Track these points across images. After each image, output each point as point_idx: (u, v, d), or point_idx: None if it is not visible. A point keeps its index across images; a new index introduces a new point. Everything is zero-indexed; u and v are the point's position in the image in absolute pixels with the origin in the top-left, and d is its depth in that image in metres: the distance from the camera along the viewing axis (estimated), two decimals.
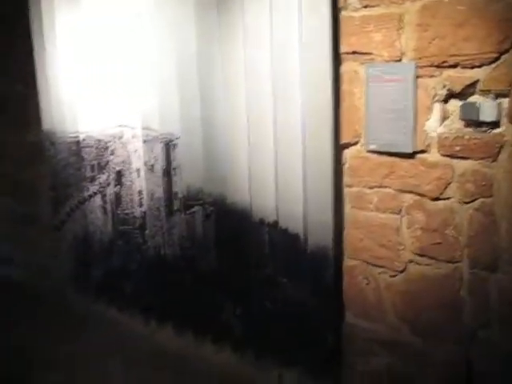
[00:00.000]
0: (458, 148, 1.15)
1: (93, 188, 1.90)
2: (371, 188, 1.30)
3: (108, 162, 1.81)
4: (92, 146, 1.85)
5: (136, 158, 1.71)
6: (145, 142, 1.65)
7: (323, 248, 1.32)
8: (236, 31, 1.36)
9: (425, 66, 1.17)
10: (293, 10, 1.25)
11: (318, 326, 1.35)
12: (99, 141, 1.80)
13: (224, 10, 1.37)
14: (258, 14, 1.30)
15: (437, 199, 1.20)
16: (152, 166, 1.66)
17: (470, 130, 1.14)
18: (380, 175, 1.28)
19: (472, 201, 1.16)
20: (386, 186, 1.28)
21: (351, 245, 1.36)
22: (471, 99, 1.13)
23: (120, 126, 1.74)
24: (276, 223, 1.39)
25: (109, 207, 1.85)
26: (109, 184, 1.83)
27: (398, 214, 1.27)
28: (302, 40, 1.26)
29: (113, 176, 1.80)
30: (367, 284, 1.36)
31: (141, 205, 1.74)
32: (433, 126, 1.18)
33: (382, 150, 1.26)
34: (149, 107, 1.61)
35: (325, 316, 1.35)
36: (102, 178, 1.84)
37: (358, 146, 1.30)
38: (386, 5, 1.20)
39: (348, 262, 1.37)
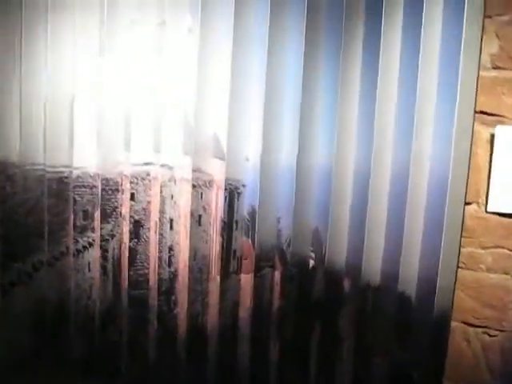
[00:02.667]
0: None
1: (83, 241, 1.45)
2: (485, 249, 1.28)
3: (116, 208, 1.41)
4: (88, 186, 1.42)
5: (170, 205, 1.37)
6: (194, 187, 1.33)
7: (438, 314, 1.24)
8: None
9: None
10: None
11: None
12: (107, 180, 1.39)
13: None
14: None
15: None
16: (199, 216, 1.35)
17: None
18: (497, 236, 1.26)
19: None
20: (502, 247, 1.27)
21: (457, 307, 1.31)
22: None
23: (146, 163, 1.37)
24: (383, 286, 1.26)
25: (110, 266, 1.44)
26: (113, 236, 1.43)
27: (510, 274, 1.27)
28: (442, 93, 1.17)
29: (126, 226, 1.40)
30: (467, 345, 1.33)
31: (170, 264, 1.40)
32: None
33: (502, 211, 1.25)
34: (205, 142, 1.31)
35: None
36: (106, 228, 1.42)
37: (475, 206, 1.27)
38: None
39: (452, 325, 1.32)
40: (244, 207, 1.32)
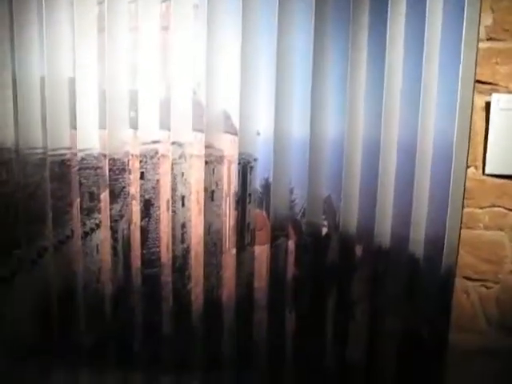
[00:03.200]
0: None
1: (90, 223, 1.44)
2: (482, 208, 1.38)
3: (124, 187, 1.41)
4: (93, 168, 1.41)
5: (182, 183, 1.38)
6: (206, 163, 1.35)
7: (445, 271, 1.34)
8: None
9: None
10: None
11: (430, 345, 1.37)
12: (114, 160, 1.38)
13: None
14: None
15: None
16: (212, 192, 1.37)
17: None
18: (493, 196, 1.37)
19: None
20: (497, 206, 1.38)
21: (459, 264, 1.42)
22: None
23: (154, 142, 1.37)
24: (393, 248, 1.34)
25: (120, 247, 1.44)
26: (122, 217, 1.43)
27: (505, 230, 1.39)
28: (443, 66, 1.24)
29: (137, 206, 1.40)
30: (466, 298, 1.44)
31: (183, 241, 1.41)
32: None
33: (498, 173, 1.35)
34: (215, 118, 1.33)
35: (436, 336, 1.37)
36: (115, 208, 1.41)
37: (473, 170, 1.37)
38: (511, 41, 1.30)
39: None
40: (257, 180, 1.34)
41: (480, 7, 1.23)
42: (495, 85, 1.31)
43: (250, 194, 1.35)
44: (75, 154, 1.38)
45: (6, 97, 1.38)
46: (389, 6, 1.21)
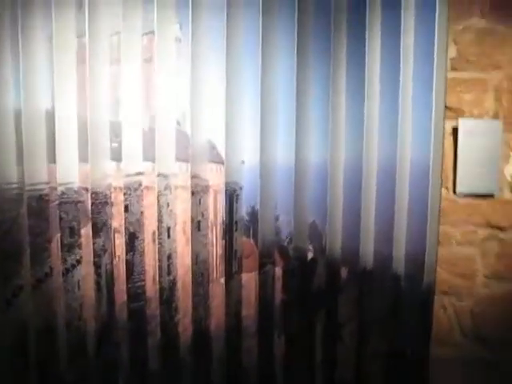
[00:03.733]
0: None
1: (71, 259, 1.40)
2: (454, 226, 1.47)
3: (106, 221, 1.39)
4: (73, 202, 1.38)
5: (168, 214, 1.38)
6: (193, 193, 1.36)
7: (425, 287, 1.41)
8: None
9: (508, 123, 1.43)
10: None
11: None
12: (96, 194, 1.36)
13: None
14: None
15: (509, 230, 1.48)
16: (199, 222, 1.38)
17: None
18: (464, 214, 1.47)
19: None
20: (468, 223, 1.47)
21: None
22: None
23: (138, 174, 1.37)
24: (377, 269, 1.40)
25: (104, 281, 1.41)
26: (105, 251, 1.40)
27: (475, 246, 1.48)
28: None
29: (120, 239, 1.39)
30: (443, 312, 1.52)
31: (169, 272, 1.41)
32: (510, 170, 1.45)
33: (467, 192, 1.45)
34: (200, 148, 1.35)
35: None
36: (98, 242, 1.39)
37: (445, 190, 1.46)
38: (473, 71, 1.41)
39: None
40: (243, 208, 1.36)
41: (447, 41, 1.33)
42: (461, 111, 1.42)
43: (236, 222, 1.37)
44: (55, 189, 1.34)
45: None
46: (366, 41, 1.28)
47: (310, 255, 1.39)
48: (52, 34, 1.29)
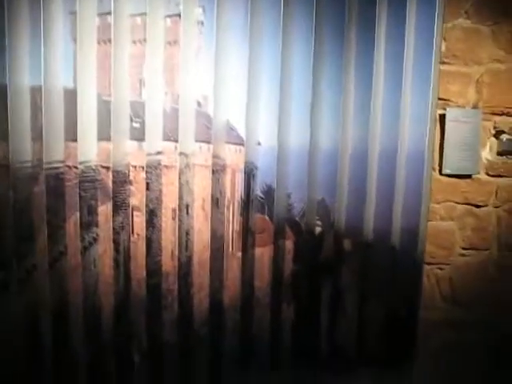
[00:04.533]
0: (501, 170, 1.67)
1: (88, 237, 1.43)
2: (439, 203, 1.66)
3: (125, 199, 1.43)
4: (91, 181, 1.40)
5: (187, 192, 1.44)
6: (213, 172, 1.43)
7: (416, 258, 1.59)
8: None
9: (486, 113, 1.63)
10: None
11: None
12: (116, 172, 1.40)
13: None
14: None
15: (483, 206, 1.69)
16: (217, 199, 1.46)
17: (504, 157, 1.68)
18: (446, 192, 1.66)
19: (503, 204, 1.70)
20: (449, 201, 1.67)
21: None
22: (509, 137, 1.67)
23: (158, 153, 1.42)
24: (376, 242, 1.55)
25: (122, 258, 1.45)
26: (123, 228, 1.44)
27: (455, 220, 1.69)
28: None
29: (139, 217, 1.43)
30: (427, 280, 1.71)
31: (187, 248, 1.48)
32: (486, 154, 1.66)
33: (452, 173, 1.64)
34: (221, 129, 1.42)
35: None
36: (117, 220, 1.43)
37: (434, 171, 1.64)
38: (459, 65, 1.59)
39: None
40: (257, 187, 1.45)
41: (441, 38, 1.49)
42: (447, 100, 1.59)
43: (252, 200, 1.45)
44: (74, 167, 1.35)
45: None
46: (375, 42, 1.42)
47: (318, 229, 1.50)
48: (76, 9, 1.28)
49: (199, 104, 1.39)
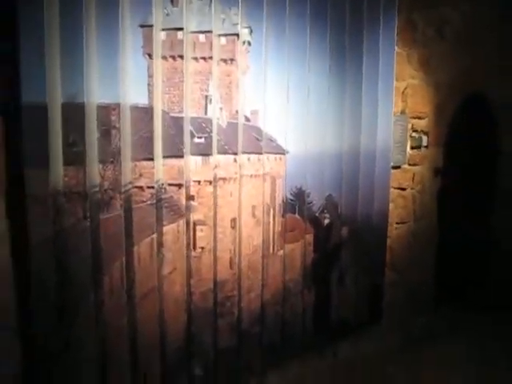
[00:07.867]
0: (417, 160, 2.25)
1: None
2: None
3: (191, 214, 1.47)
4: (164, 199, 1.41)
5: (242, 201, 1.56)
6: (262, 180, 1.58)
7: (384, 234, 2.04)
8: None
9: (409, 117, 2.17)
10: None
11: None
12: (178, 186, 1.44)
13: None
14: None
15: (406, 189, 2.24)
16: (268, 205, 1.62)
17: (416, 150, 2.26)
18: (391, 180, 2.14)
19: (417, 186, 2.29)
20: (391, 187, 2.16)
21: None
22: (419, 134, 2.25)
23: (215, 167, 1.50)
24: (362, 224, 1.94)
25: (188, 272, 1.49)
26: (188, 244, 1.48)
27: (391, 202, 2.19)
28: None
29: (203, 232, 1.49)
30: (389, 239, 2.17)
31: (240, 254, 1.59)
32: (408, 149, 2.21)
33: (394, 165, 2.13)
34: (267, 140, 1.59)
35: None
36: (187, 236, 1.46)
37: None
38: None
39: None
40: (287, 191, 1.66)
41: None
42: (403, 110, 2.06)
43: (286, 203, 1.65)
44: (149, 187, 1.32)
45: None
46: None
47: (327, 221, 1.78)
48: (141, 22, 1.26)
49: (247, 118, 1.50)
